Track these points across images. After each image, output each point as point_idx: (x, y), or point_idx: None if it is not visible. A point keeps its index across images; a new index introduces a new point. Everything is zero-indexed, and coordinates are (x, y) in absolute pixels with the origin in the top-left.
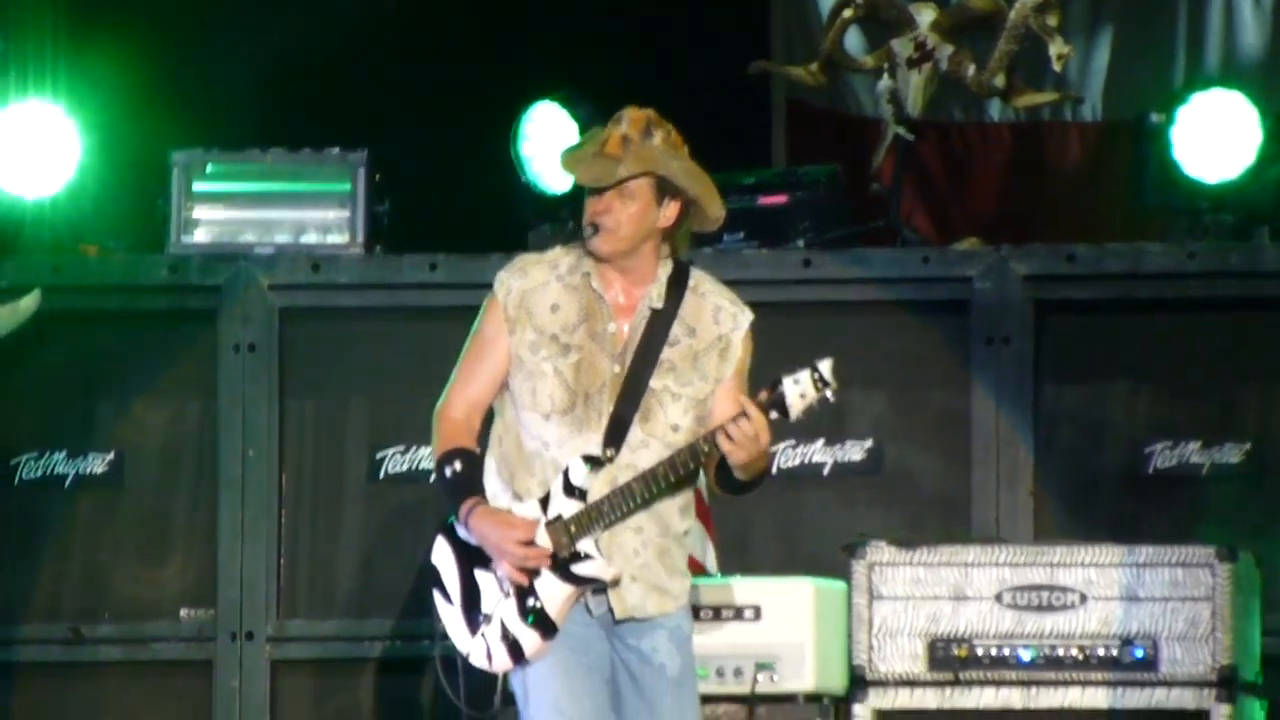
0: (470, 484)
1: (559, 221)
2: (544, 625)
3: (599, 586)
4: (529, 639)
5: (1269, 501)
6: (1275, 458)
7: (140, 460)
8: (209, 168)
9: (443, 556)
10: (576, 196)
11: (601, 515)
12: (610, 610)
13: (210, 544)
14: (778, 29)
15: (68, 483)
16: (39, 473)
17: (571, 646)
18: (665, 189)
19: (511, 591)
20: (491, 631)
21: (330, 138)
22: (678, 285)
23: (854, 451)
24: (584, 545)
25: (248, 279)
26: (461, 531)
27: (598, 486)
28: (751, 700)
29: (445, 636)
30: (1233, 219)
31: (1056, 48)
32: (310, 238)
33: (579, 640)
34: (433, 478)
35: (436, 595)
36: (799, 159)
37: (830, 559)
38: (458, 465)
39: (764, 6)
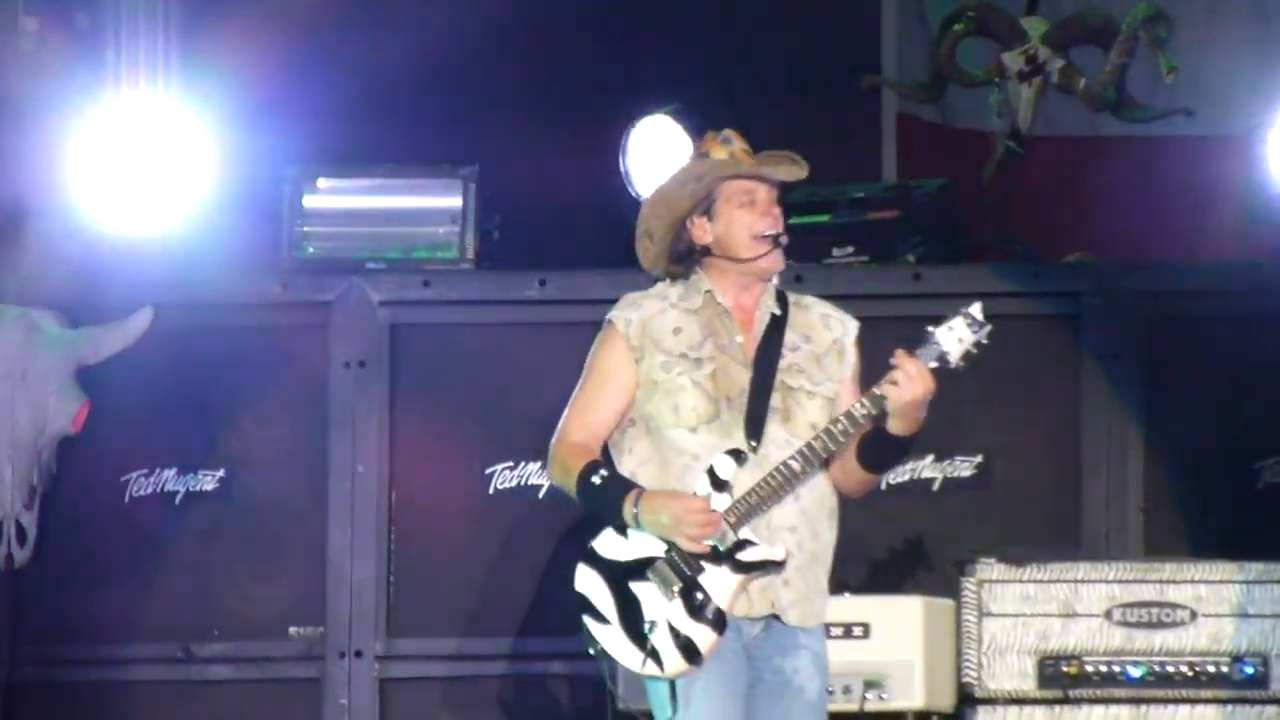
0: (623, 482)
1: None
2: (715, 619)
3: (765, 573)
4: (703, 635)
5: None
6: None
7: (250, 477)
8: (320, 183)
9: (588, 581)
10: None
11: (761, 499)
12: (763, 617)
13: (319, 561)
14: (889, 43)
15: (178, 500)
16: (149, 490)
17: (725, 671)
18: None
19: (677, 593)
20: (660, 637)
21: (440, 153)
22: (781, 299)
23: (963, 467)
24: (745, 533)
25: (358, 295)
26: (608, 551)
27: (742, 480)
28: (861, 718)
29: (606, 656)
30: None
31: (1167, 61)
32: (420, 253)
33: (731, 665)
34: (576, 495)
35: (590, 621)
36: (909, 173)
37: (940, 576)
38: (603, 472)
39: (875, 20)
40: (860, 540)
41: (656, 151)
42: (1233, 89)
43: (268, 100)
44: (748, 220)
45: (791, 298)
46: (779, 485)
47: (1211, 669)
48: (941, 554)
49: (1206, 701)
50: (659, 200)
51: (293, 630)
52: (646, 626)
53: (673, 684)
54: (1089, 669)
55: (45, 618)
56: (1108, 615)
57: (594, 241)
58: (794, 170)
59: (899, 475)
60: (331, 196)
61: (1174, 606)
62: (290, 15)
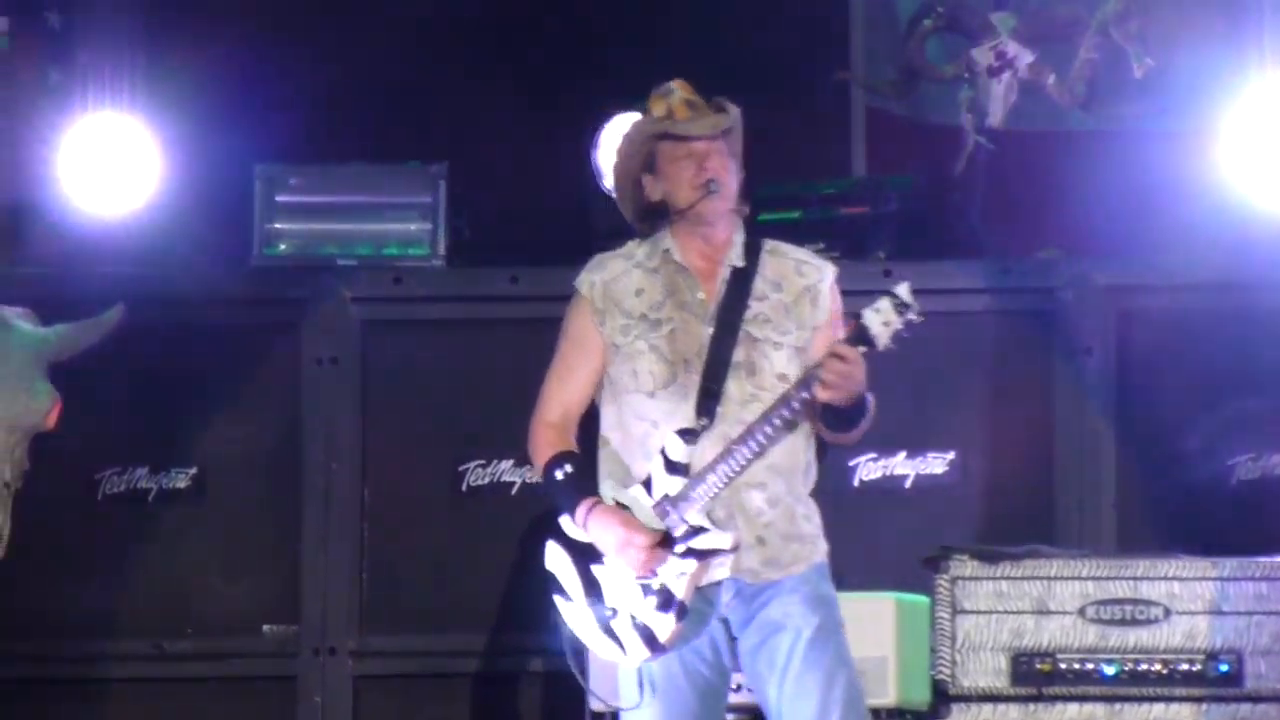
0: (583, 485)
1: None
2: (675, 608)
3: (720, 556)
4: (662, 624)
5: None
6: None
7: (223, 475)
8: (291, 181)
9: (556, 559)
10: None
11: (709, 483)
12: (734, 582)
13: (293, 559)
14: (858, 39)
15: (150, 498)
16: (121, 488)
17: (693, 658)
18: (733, 146)
19: (635, 580)
20: (621, 624)
21: (411, 150)
22: (753, 248)
23: (936, 464)
24: (696, 519)
25: (330, 292)
26: (573, 531)
27: (701, 455)
28: None
29: (574, 638)
30: None
31: (1137, 56)
32: (392, 250)
33: (702, 651)
34: (541, 484)
35: (558, 599)
36: (879, 169)
37: (913, 573)
38: (568, 468)
39: (844, 16)
40: (832, 537)
41: None
42: (1203, 83)
43: (239, 97)
44: (685, 173)
45: (767, 245)
46: (728, 470)
47: (1185, 666)
48: (914, 551)
49: (1181, 699)
50: (616, 160)
51: (266, 628)
52: (608, 612)
53: (639, 670)
54: (1063, 666)
55: (16, 615)
56: (1081, 613)
57: (566, 237)
58: (717, 122)
59: (871, 472)
60: (303, 194)
61: (1148, 604)
62: (261, 11)
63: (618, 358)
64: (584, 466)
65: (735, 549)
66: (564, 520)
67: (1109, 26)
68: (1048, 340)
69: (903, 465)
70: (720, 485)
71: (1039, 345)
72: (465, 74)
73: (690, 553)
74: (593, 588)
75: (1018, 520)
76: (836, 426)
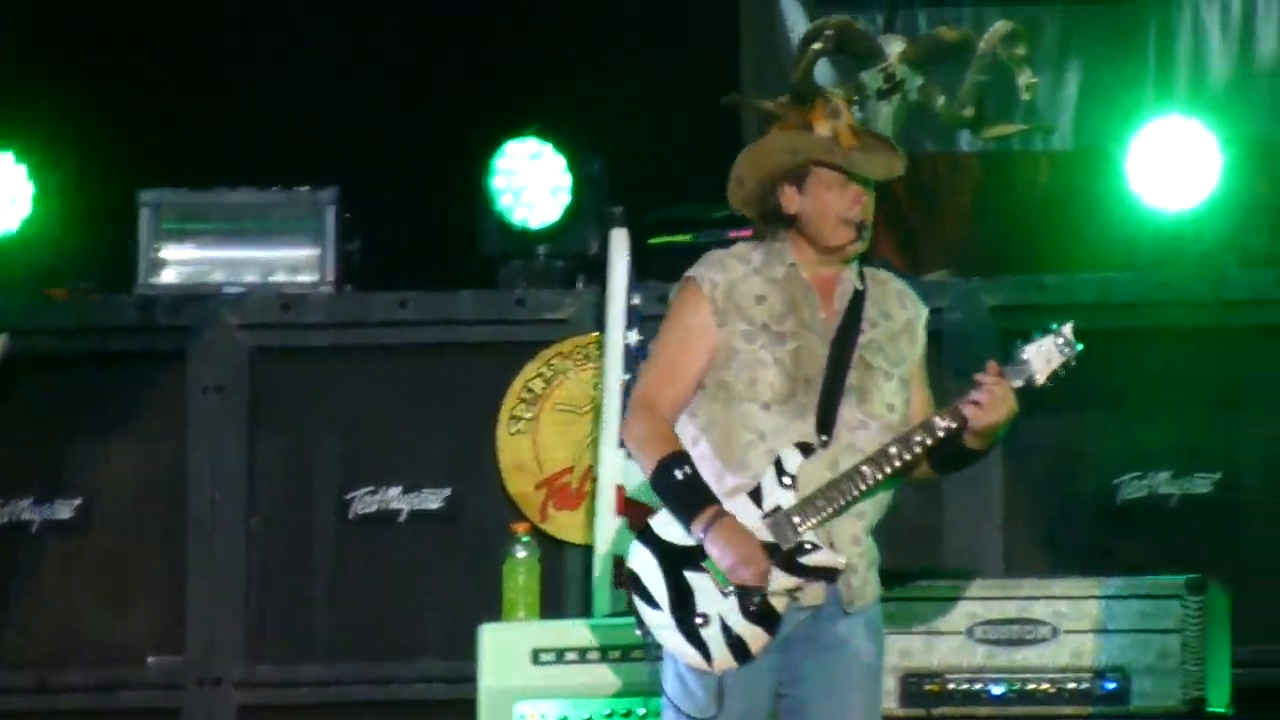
0: (705, 490)
1: (530, 257)
2: (768, 620)
3: (820, 578)
4: (755, 636)
5: (1238, 532)
6: (1244, 488)
7: (108, 505)
8: (177, 207)
9: (642, 561)
10: (548, 233)
11: (829, 502)
12: (830, 601)
13: (179, 589)
14: (747, 62)
15: (34, 529)
16: (4, 519)
17: (764, 670)
18: None
19: (732, 591)
20: (710, 632)
21: (299, 175)
22: (860, 272)
23: None
24: (809, 535)
25: (216, 319)
26: (667, 533)
27: (809, 474)
28: None
29: (651, 638)
30: (1200, 248)
31: (1025, 77)
32: (280, 277)
33: (770, 662)
34: (648, 480)
35: (638, 601)
36: None
37: None
38: (687, 469)
39: (733, 40)
40: None
41: (519, 173)
42: (1092, 103)
43: (125, 124)
44: (835, 205)
45: (867, 271)
46: (851, 491)
47: (1073, 685)
48: None
49: (1068, 718)
50: (755, 156)
51: (151, 659)
52: (698, 620)
53: (720, 679)
54: (951, 687)
55: None
56: (969, 633)
57: (455, 262)
58: (889, 168)
59: None
60: (189, 220)
61: (1035, 623)
62: (146, 35)
63: (734, 363)
64: (698, 470)
65: (844, 571)
66: (656, 521)
67: (997, 49)
68: (935, 360)
69: None
70: (838, 505)
71: (928, 365)
72: (356, 98)
73: (798, 568)
74: (682, 593)
75: (907, 541)
76: (948, 465)
